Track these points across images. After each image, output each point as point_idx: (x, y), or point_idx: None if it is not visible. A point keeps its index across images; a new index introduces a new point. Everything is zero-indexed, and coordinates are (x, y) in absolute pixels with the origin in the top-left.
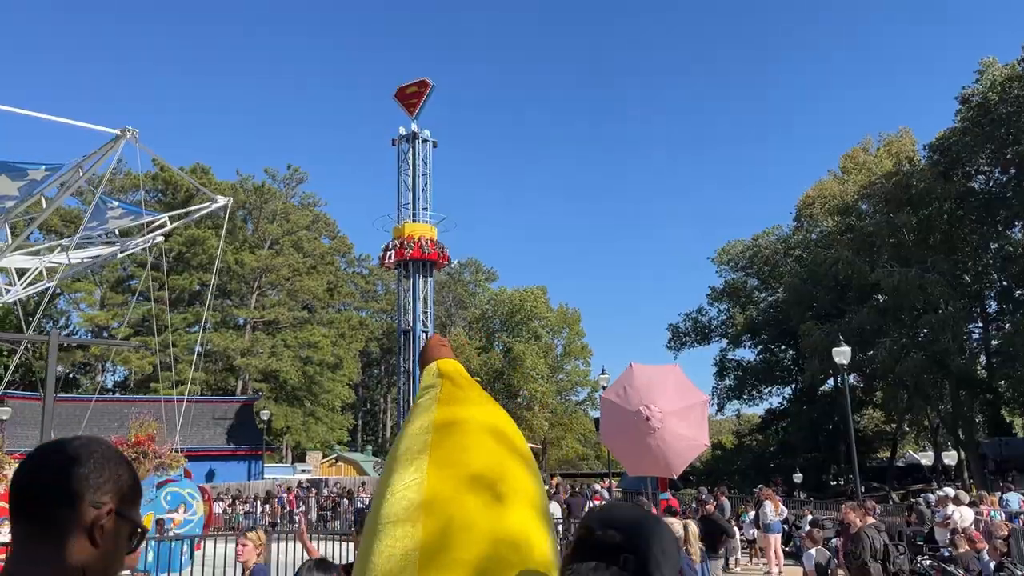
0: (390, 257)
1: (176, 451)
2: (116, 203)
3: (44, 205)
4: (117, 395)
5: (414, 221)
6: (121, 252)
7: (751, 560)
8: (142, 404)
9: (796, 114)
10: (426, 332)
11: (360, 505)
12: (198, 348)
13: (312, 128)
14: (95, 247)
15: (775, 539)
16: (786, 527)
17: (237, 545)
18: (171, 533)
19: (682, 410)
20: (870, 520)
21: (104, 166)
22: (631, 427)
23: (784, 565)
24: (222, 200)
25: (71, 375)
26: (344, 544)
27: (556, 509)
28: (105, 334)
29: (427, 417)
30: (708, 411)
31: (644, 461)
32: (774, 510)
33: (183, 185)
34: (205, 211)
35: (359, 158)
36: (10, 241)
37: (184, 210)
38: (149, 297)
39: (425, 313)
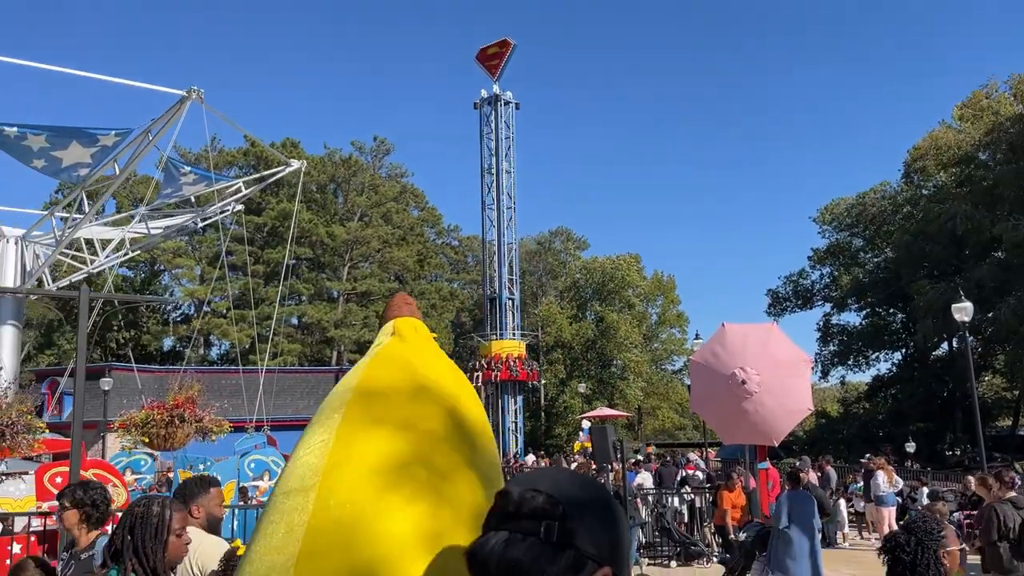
0: (478, 379)
1: (258, 420)
2: (188, 168)
3: (117, 172)
4: (217, 367)
5: (500, 338)
6: (201, 220)
7: (860, 535)
8: (233, 375)
9: (901, 63)
10: (515, 299)
11: None
12: (294, 320)
13: (395, 92)
14: (179, 216)
15: (889, 513)
16: (899, 500)
17: None
18: (254, 501)
19: (782, 372)
20: (1010, 494)
21: (172, 130)
22: (725, 392)
23: None
24: (295, 164)
25: (176, 348)
26: None
27: (648, 479)
28: (206, 308)
29: (355, 375)
30: (811, 372)
31: (740, 429)
32: (887, 481)
33: (275, 160)
34: (279, 175)
35: (443, 124)
36: (87, 211)
37: (258, 175)
38: (242, 270)
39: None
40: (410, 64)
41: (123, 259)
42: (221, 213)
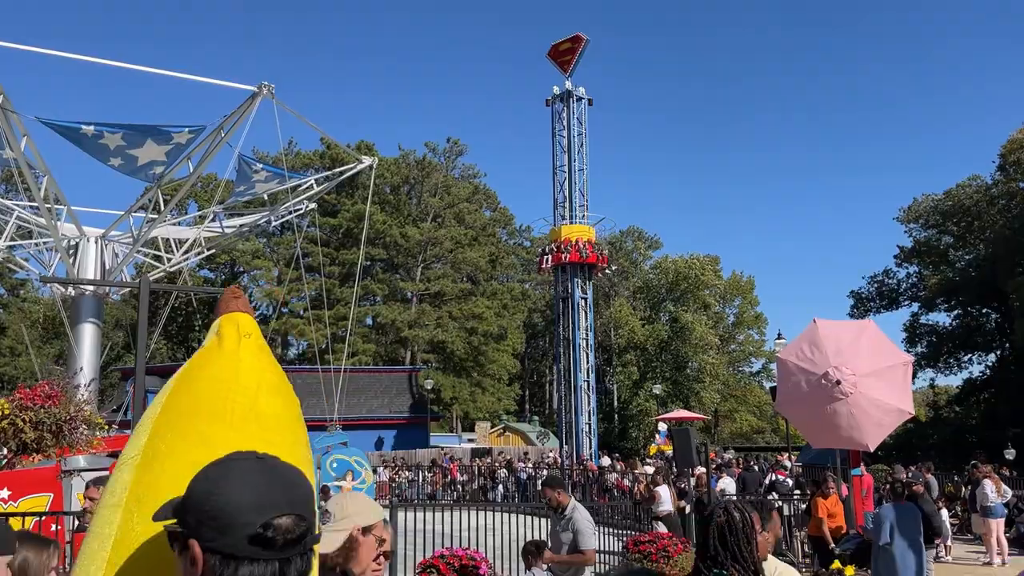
0: (547, 261)
1: (339, 419)
2: (260, 166)
3: (191, 170)
4: (295, 366)
5: (571, 223)
6: (275, 218)
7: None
8: (309, 374)
9: (993, 51)
10: (585, 298)
11: (523, 476)
12: (369, 320)
13: (466, 91)
14: (252, 215)
15: (997, 524)
16: (1006, 510)
17: None
18: None
19: (881, 372)
20: None
21: (244, 127)
22: (817, 392)
23: (1009, 554)
24: (367, 160)
25: None
26: (502, 515)
27: (730, 484)
28: (284, 308)
29: (166, 388)
30: (911, 373)
31: (832, 432)
32: (995, 491)
33: (349, 161)
34: (350, 172)
35: (515, 122)
36: (163, 210)
37: (328, 172)
38: (318, 271)
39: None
40: (481, 63)
41: (200, 257)
42: (294, 211)
